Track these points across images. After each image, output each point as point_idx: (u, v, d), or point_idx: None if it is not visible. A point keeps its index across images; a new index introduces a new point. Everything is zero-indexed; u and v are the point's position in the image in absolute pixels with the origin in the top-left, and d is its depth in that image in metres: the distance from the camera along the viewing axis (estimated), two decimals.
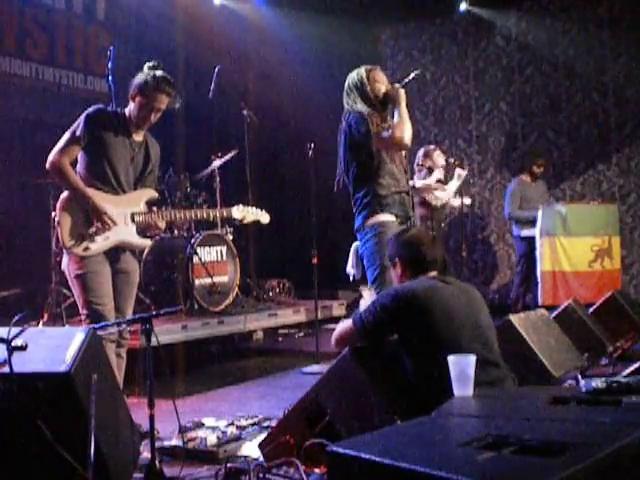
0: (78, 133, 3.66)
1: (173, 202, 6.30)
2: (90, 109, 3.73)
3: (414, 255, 3.14)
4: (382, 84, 4.20)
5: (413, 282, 3.03)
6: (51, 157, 3.67)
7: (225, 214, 4.10)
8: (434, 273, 3.10)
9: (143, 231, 3.87)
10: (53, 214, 3.79)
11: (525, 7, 8.60)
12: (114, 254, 3.74)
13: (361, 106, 4.14)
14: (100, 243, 3.66)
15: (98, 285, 3.63)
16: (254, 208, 4.19)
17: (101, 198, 3.67)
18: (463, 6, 8.82)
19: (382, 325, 2.96)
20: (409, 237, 3.22)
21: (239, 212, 4.10)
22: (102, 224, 3.65)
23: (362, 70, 4.25)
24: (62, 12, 7.11)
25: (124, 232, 3.74)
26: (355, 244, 4.67)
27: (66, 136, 3.70)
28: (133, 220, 3.77)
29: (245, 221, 4.15)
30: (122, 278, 3.77)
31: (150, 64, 3.78)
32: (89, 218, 3.65)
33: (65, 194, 3.70)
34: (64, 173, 3.65)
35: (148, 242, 3.96)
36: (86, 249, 3.63)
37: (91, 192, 3.66)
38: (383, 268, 3.97)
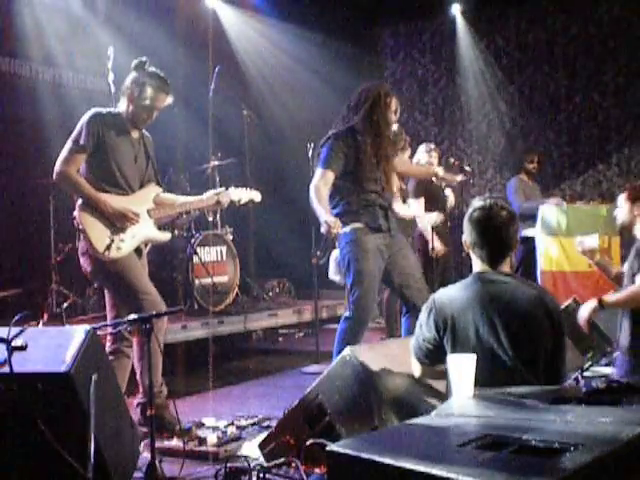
0: (82, 142, 3.64)
1: None
2: (89, 114, 3.72)
3: (470, 238, 2.79)
4: (395, 114, 4.30)
5: (451, 289, 2.80)
6: (57, 168, 3.66)
7: (223, 198, 4.08)
8: (483, 267, 2.76)
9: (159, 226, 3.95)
10: (75, 222, 3.69)
11: (525, 7, 8.60)
12: (137, 252, 3.82)
13: (355, 123, 4.23)
14: (129, 242, 3.71)
15: (140, 276, 3.70)
16: (245, 189, 4.23)
17: (115, 200, 3.69)
18: (463, 6, 8.81)
19: (427, 343, 2.77)
20: (472, 215, 2.78)
21: (235, 194, 4.15)
22: (128, 221, 3.67)
23: (383, 88, 4.31)
24: (62, 12, 7.10)
25: (147, 228, 3.80)
26: (335, 252, 4.77)
27: (69, 145, 3.68)
28: (150, 216, 3.82)
29: (242, 202, 4.20)
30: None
31: (137, 62, 3.77)
32: (111, 221, 3.66)
33: (80, 201, 3.68)
34: (74, 183, 3.65)
35: (168, 235, 4.04)
36: (119, 249, 3.65)
37: (104, 196, 3.66)
38: (358, 273, 4.15)
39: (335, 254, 4.88)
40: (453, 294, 2.77)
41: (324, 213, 4.05)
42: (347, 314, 4.25)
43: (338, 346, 4.25)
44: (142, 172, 3.86)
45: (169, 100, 3.79)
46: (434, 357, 2.75)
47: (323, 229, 4.03)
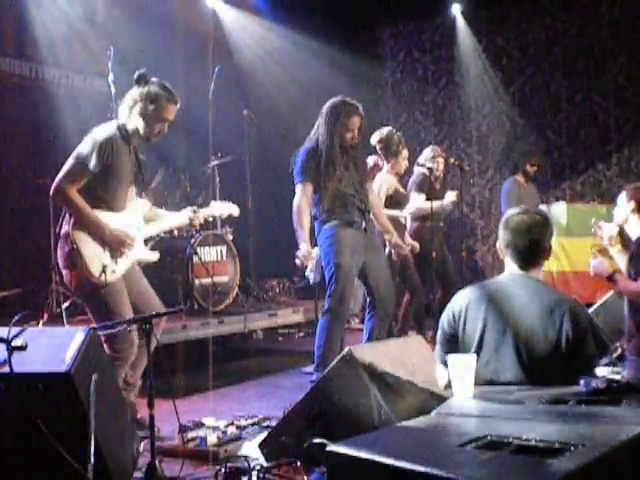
0: (91, 166, 3.50)
1: (173, 202, 6.29)
2: (103, 136, 3.55)
3: (504, 240, 2.84)
4: (353, 132, 4.58)
5: (474, 285, 2.87)
6: (58, 184, 3.52)
7: (208, 212, 4.21)
8: (514, 268, 2.81)
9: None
10: (69, 241, 3.58)
11: (525, 7, 8.60)
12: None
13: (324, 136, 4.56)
14: (123, 264, 3.67)
15: (122, 304, 3.60)
16: (225, 202, 4.35)
17: (109, 220, 3.60)
18: (463, 6, 8.80)
19: (445, 339, 2.84)
20: (507, 219, 2.86)
21: (216, 209, 4.28)
22: (125, 247, 3.63)
23: (344, 107, 4.57)
24: (62, 12, 7.10)
25: (139, 249, 3.78)
26: (315, 249, 4.88)
27: (74, 162, 3.53)
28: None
29: (223, 216, 4.39)
30: (140, 281, 3.83)
31: (138, 75, 3.64)
32: (108, 245, 3.59)
33: (73, 219, 3.56)
34: (72, 202, 3.51)
35: (157, 255, 3.97)
36: (113, 272, 3.59)
37: (101, 217, 3.57)
38: (337, 266, 4.48)
39: (315, 252, 4.95)
40: (472, 290, 2.84)
41: (302, 241, 4.46)
42: (325, 307, 4.53)
43: (319, 340, 4.52)
44: (140, 185, 3.85)
45: (176, 109, 3.74)
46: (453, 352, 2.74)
47: (297, 260, 4.50)
